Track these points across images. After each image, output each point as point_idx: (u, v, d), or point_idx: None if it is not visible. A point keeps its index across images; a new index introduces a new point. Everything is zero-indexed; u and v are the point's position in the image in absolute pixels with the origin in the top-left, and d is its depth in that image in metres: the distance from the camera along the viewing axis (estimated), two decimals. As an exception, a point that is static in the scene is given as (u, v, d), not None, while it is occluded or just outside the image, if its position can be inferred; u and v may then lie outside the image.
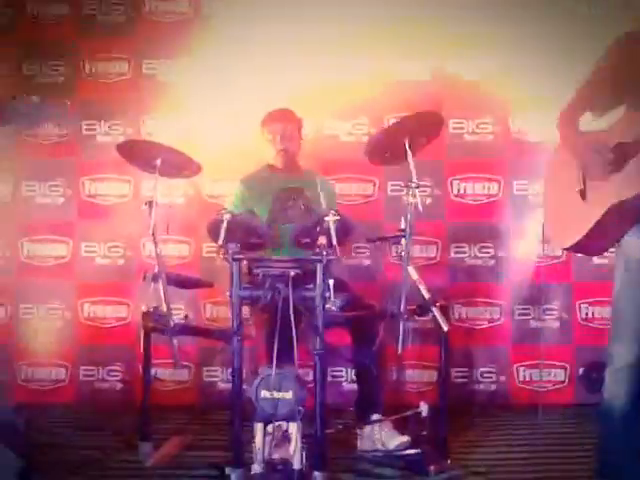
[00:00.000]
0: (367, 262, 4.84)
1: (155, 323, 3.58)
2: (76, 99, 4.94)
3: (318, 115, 4.83)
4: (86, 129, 4.95)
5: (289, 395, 3.14)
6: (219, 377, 4.82)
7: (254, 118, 4.29)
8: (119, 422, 4.19)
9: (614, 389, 2.87)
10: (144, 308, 3.61)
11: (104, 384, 4.86)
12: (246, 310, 3.72)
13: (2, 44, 4.88)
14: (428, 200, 4.75)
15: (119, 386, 4.86)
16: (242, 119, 4.70)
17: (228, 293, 3.28)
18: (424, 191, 4.64)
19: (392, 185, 4.80)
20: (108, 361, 4.85)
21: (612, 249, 2.96)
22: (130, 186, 4.88)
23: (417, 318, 3.65)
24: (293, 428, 3.15)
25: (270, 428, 3.16)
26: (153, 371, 3.77)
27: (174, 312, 3.58)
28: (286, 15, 4.83)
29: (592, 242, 2.91)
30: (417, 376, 4.77)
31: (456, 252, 4.85)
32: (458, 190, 4.85)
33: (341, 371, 4.79)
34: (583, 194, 2.92)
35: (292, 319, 3.12)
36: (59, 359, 4.87)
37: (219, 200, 4.68)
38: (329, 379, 4.70)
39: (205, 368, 4.84)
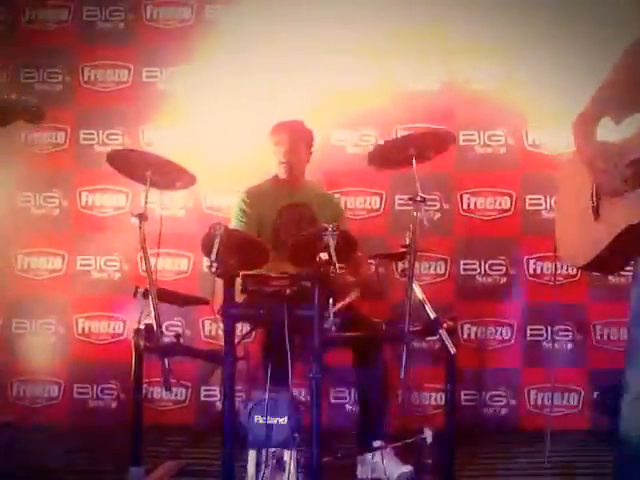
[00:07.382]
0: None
1: (146, 342, 3.43)
2: (74, 107, 4.84)
3: (324, 125, 4.66)
4: (84, 139, 4.83)
5: (284, 420, 2.98)
6: (217, 397, 4.63)
7: (257, 128, 4.17)
8: (112, 443, 4.00)
9: (630, 421, 2.66)
10: (136, 325, 3.45)
11: (99, 403, 4.72)
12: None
13: (-1, 50, 4.79)
14: (437, 215, 4.62)
15: (114, 405, 4.72)
16: (245, 129, 4.57)
17: (219, 311, 3.11)
18: (432, 205, 4.53)
19: (399, 199, 4.63)
20: (103, 379, 4.71)
21: (629, 267, 2.75)
22: (127, 198, 4.74)
23: (422, 340, 3.48)
24: (288, 455, 2.98)
25: (264, 455, 2.99)
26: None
27: (169, 329, 3.43)
28: (292, 22, 4.71)
29: (606, 261, 2.72)
30: (424, 399, 4.60)
31: (466, 269, 4.67)
32: (468, 205, 4.68)
33: (344, 392, 4.61)
34: (596, 211, 2.72)
35: (287, 340, 2.96)
36: (52, 376, 4.73)
37: (220, 212, 4.57)
38: (331, 400, 4.60)
39: (203, 387, 4.68)
